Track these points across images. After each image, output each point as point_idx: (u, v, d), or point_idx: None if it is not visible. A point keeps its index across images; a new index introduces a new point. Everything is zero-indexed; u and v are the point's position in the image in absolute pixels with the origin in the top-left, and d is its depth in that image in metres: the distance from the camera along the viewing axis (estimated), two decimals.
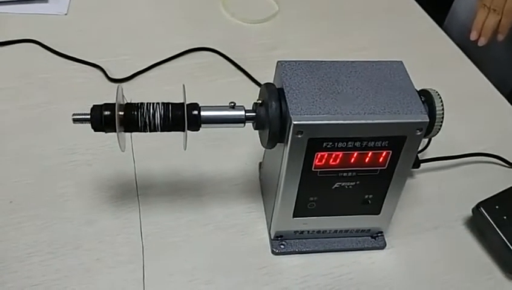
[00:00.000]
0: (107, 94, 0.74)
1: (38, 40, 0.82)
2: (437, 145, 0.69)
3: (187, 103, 0.49)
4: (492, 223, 0.61)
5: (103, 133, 0.49)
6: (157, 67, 0.81)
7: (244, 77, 0.81)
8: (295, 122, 0.46)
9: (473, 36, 0.86)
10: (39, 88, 0.76)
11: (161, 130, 0.49)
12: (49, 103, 0.74)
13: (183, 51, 0.83)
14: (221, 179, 0.66)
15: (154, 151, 0.67)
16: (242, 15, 0.91)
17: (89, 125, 0.49)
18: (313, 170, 0.51)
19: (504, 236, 0.60)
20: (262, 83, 0.78)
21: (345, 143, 0.49)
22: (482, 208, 0.62)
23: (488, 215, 0.62)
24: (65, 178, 0.64)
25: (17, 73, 0.78)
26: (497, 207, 0.62)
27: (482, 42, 0.85)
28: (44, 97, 0.74)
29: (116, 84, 0.76)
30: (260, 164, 0.68)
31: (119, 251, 0.58)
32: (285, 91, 0.49)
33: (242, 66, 0.82)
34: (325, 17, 0.96)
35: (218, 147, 0.70)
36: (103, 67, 0.79)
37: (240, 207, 0.64)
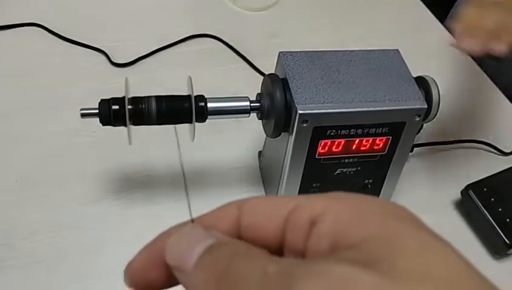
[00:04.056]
0: (110, 78, 0.76)
1: (42, 23, 0.82)
2: (429, 131, 0.71)
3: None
4: (480, 204, 0.62)
5: None
6: (159, 53, 0.81)
7: (245, 63, 0.82)
8: (301, 112, 0.48)
9: (458, 40, 0.49)
10: (43, 71, 0.76)
11: (169, 123, 0.50)
12: (53, 86, 0.74)
13: (184, 37, 0.84)
14: (221, 163, 0.68)
15: (155, 135, 0.68)
16: (243, 3, 0.92)
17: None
18: (316, 157, 0.52)
19: (491, 217, 0.61)
20: (262, 70, 0.80)
21: (347, 130, 0.51)
22: (470, 191, 0.64)
23: (476, 197, 0.63)
24: (68, 159, 0.65)
25: (21, 56, 0.78)
26: (485, 190, 0.64)
27: (471, 47, 0.48)
28: (48, 80, 0.75)
29: (118, 69, 0.78)
30: (259, 153, 0.69)
31: (121, 230, 0.59)
32: (289, 81, 0.50)
33: (242, 53, 0.83)
34: (325, 6, 0.97)
35: (218, 132, 0.71)
36: (106, 52, 0.79)
37: (240, 189, 0.65)
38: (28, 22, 0.82)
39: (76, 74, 0.77)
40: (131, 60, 0.79)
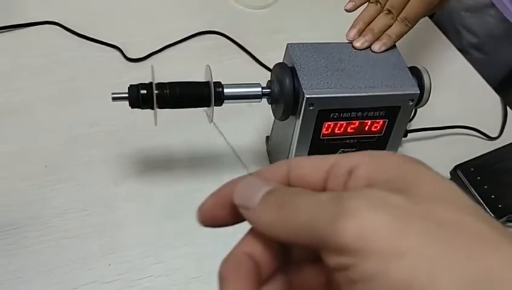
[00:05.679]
0: (124, 72, 0.82)
1: (59, 22, 0.88)
2: (421, 118, 0.77)
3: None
4: (467, 183, 0.68)
5: (126, 107, 0.55)
6: (169, 49, 0.87)
7: (248, 57, 0.87)
8: (308, 96, 0.54)
9: (351, 35, 0.62)
10: (62, 66, 0.82)
11: (190, 107, 0.55)
12: (72, 80, 0.79)
13: (191, 34, 0.89)
14: (230, 149, 0.73)
15: (171, 121, 0.72)
16: (245, 1, 0.97)
17: (110, 100, 0.54)
18: (320, 138, 0.58)
19: (477, 194, 0.67)
20: (265, 63, 0.86)
21: (349, 113, 0.57)
22: (458, 170, 0.70)
23: (464, 176, 0.69)
24: (91, 146, 0.71)
25: (41, 52, 0.83)
26: (472, 169, 0.70)
27: (361, 45, 0.61)
28: (67, 75, 0.80)
29: (132, 64, 0.84)
30: (267, 137, 0.75)
31: (145, 210, 0.65)
32: (296, 69, 0.56)
33: (246, 48, 0.88)
34: (323, 3, 1.02)
35: (226, 120, 0.76)
36: (121, 48, 0.85)
37: (250, 170, 0.70)
38: (46, 20, 0.88)
39: (93, 69, 0.82)
40: (143, 55, 0.85)
